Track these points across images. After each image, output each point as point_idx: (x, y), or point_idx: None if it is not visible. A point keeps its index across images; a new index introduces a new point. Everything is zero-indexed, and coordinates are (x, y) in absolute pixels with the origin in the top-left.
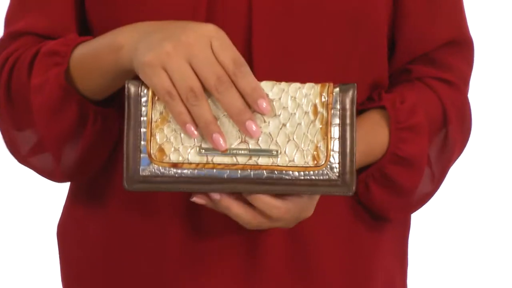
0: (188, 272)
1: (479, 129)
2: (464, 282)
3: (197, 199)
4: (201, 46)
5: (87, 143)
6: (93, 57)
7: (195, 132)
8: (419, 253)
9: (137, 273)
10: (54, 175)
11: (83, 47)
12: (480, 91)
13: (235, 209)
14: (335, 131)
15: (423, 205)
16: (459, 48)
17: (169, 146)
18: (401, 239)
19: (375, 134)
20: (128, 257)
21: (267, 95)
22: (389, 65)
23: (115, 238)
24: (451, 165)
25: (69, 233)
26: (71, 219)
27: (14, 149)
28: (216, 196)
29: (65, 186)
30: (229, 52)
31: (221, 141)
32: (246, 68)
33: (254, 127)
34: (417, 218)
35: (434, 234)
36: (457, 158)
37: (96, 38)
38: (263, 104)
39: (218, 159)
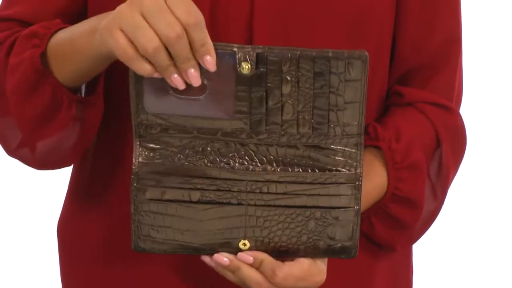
0: (184, 279)
1: (477, 134)
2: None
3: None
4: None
5: (60, 130)
6: (69, 40)
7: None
8: (424, 262)
9: (135, 272)
10: (30, 161)
11: (63, 32)
12: (479, 94)
13: (246, 271)
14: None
15: (429, 226)
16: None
17: None
18: (403, 253)
19: (370, 177)
20: (127, 256)
21: None
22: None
23: (114, 236)
24: (449, 185)
25: (68, 230)
26: (70, 217)
27: (3, 141)
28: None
29: (66, 183)
30: (184, 5)
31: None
32: (200, 23)
33: (195, 75)
34: None
35: (438, 241)
36: (453, 177)
37: (76, 24)
38: (208, 58)
39: None
